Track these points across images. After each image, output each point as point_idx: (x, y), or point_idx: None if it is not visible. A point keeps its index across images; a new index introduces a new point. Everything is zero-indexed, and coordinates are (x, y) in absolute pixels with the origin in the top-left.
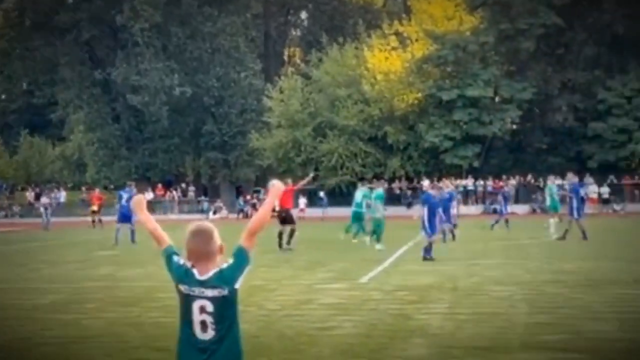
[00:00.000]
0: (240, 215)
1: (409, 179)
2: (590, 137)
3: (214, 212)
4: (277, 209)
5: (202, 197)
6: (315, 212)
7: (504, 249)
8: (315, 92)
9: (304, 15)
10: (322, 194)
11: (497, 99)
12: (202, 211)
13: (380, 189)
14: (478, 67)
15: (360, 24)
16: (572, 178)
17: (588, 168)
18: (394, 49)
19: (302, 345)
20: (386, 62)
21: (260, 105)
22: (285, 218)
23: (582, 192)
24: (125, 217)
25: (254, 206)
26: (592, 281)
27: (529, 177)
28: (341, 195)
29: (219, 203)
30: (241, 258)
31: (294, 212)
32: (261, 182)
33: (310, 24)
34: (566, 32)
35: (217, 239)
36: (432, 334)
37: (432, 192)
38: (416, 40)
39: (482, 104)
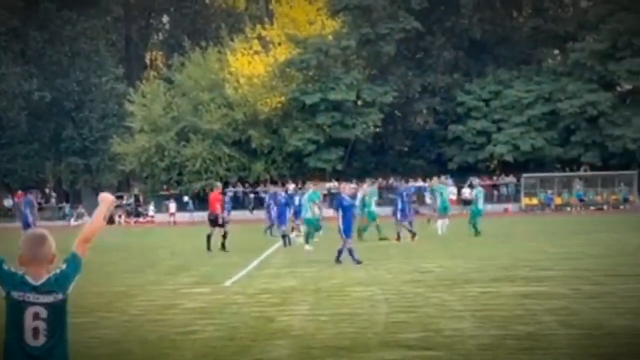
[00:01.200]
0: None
1: (274, 183)
2: (450, 139)
3: (76, 218)
4: (207, 212)
5: (64, 204)
6: (184, 216)
7: (367, 250)
8: (178, 96)
9: (165, 18)
10: (186, 198)
11: (359, 102)
12: (63, 217)
13: (311, 190)
14: (340, 70)
15: (222, 27)
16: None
17: (449, 170)
18: (256, 52)
19: (165, 350)
20: (249, 66)
21: (122, 110)
22: (214, 221)
23: (405, 194)
24: None
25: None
26: (450, 280)
27: (391, 179)
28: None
29: (80, 209)
30: (74, 264)
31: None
32: (124, 187)
33: (172, 27)
34: (425, 36)
35: (52, 245)
36: (293, 335)
37: (344, 194)
38: (279, 44)
39: (344, 107)
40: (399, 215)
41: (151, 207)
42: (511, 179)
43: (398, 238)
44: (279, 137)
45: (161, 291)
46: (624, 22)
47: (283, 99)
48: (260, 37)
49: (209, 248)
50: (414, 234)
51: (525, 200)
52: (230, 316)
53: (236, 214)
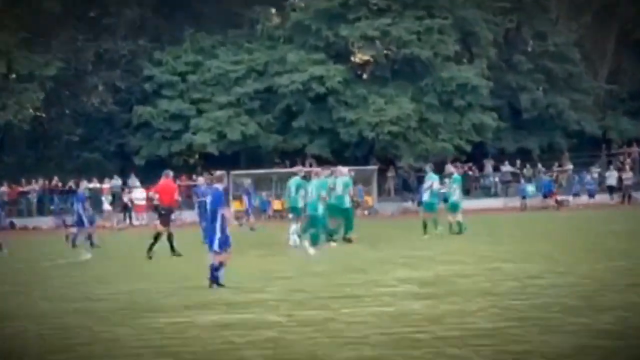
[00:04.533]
0: None
1: None
2: (135, 125)
3: None
4: (158, 204)
5: None
6: None
7: None
8: None
9: None
10: None
11: (11, 75)
12: None
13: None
14: None
15: None
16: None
17: (136, 165)
18: None
19: None
20: None
21: None
22: (165, 218)
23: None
24: None
25: None
26: (130, 309)
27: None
28: None
29: None
30: None
31: None
32: None
33: None
34: None
35: None
36: None
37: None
38: None
39: None
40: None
41: None
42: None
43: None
44: None
45: None
46: None
47: None
48: None
49: (173, 249)
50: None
51: (234, 205)
52: None
53: None
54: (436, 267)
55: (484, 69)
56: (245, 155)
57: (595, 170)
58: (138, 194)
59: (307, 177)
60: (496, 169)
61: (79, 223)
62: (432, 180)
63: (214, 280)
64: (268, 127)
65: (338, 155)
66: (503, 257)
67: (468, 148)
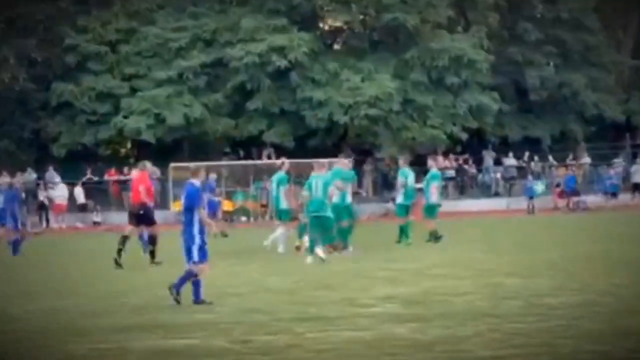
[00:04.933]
0: None
1: None
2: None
3: None
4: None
5: None
6: None
7: None
8: None
9: None
10: None
11: None
12: None
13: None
14: None
15: None
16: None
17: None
18: None
19: None
20: None
21: None
22: (141, 216)
23: None
24: None
25: None
26: None
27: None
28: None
29: None
30: None
31: None
32: None
33: None
34: None
35: None
36: None
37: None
38: None
39: None
40: None
41: None
42: None
43: None
44: None
45: None
46: None
47: None
48: None
49: (119, 256)
50: None
51: (174, 206)
52: None
53: None
54: (424, 282)
55: (482, 39)
56: (189, 143)
57: (618, 164)
58: (58, 191)
59: (289, 172)
60: (498, 162)
61: (16, 226)
62: (404, 177)
63: (196, 299)
64: (217, 109)
65: (302, 144)
66: (505, 270)
67: (463, 136)
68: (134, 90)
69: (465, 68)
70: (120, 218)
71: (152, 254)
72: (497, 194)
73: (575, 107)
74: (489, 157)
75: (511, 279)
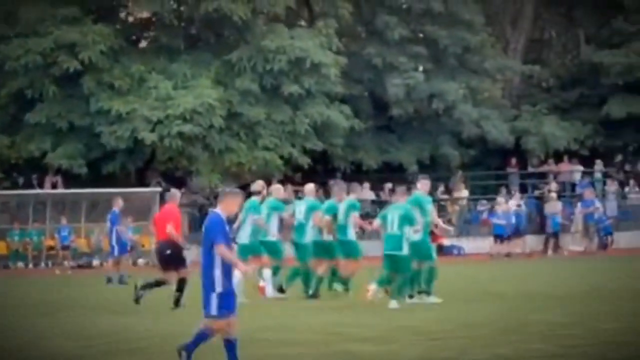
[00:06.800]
0: None
1: None
2: None
3: None
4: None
5: None
6: None
7: None
8: None
9: None
10: None
11: None
12: None
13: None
14: None
15: None
16: None
17: None
18: None
19: None
20: None
21: None
22: (169, 258)
23: None
24: None
25: None
26: None
27: None
28: None
29: None
30: None
31: None
32: None
33: None
34: None
35: None
36: None
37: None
38: None
39: None
40: None
41: None
42: None
43: None
44: None
45: None
46: None
47: None
48: None
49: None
50: None
51: None
52: None
53: None
54: None
55: (331, 36)
56: None
57: (506, 201)
58: None
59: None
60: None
61: None
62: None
63: (187, 349)
64: None
65: (97, 169)
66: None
67: (305, 161)
68: None
69: (309, 74)
70: None
71: (178, 298)
72: None
73: (450, 125)
74: (337, 188)
75: None
